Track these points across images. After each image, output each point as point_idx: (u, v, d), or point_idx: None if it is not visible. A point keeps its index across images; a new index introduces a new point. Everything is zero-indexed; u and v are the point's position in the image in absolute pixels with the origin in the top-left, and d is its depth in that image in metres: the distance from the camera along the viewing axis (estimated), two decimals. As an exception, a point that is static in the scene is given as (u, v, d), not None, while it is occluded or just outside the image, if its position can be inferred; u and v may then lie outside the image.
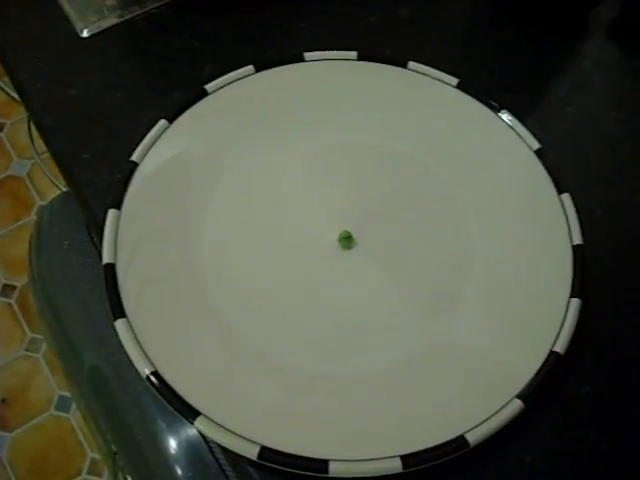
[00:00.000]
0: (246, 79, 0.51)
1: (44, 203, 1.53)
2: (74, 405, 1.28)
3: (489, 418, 0.37)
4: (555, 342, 0.40)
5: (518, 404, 0.37)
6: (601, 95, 0.55)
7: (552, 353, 0.39)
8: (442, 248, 0.46)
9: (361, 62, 0.53)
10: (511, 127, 0.49)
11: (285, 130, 0.51)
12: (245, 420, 0.37)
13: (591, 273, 0.45)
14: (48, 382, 1.32)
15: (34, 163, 1.59)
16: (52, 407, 1.29)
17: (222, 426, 0.36)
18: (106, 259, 0.42)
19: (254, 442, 0.36)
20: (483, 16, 0.60)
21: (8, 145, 1.65)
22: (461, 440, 0.36)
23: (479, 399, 0.39)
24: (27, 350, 1.36)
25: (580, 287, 0.42)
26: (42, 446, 1.25)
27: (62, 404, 1.30)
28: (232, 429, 0.36)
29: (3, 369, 1.33)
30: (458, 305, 0.44)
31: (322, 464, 0.35)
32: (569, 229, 0.44)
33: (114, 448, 0.55)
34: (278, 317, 0.43)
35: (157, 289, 0.42)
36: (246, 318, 0.43)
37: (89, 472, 1.23)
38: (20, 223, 1.52)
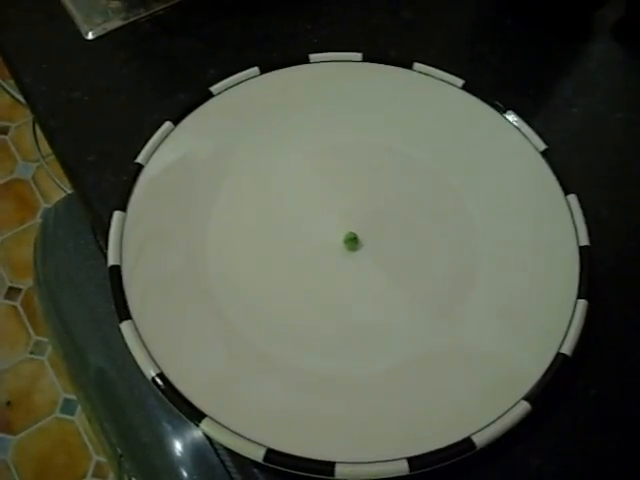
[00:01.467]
0: (251, 81, 0.51)
1: (49, 206, 1.53)
2: (79, 408, 1.29)
3: (496, 420, 0.37)
4: (562, 344, 0.40)
5: (525, 406, 0.37)
6: (607, 96, 0.55)
7: (559, 355, 0.39)
8: (448, 249, 0.46)
9: (366, 63, 0.53)
10: (517, 128, 0.49)
11: (290, 131, 0.51)
12: (251, 422, 0.37)
13: (597, 274, 0.45)
14: (53, 385, 1.32)
15: (39, 166, 1.60)
16: (57, 410, 1.29)
17: (228, 428, 0.36)
18: (111, 261, 0.42)
19: (260, 444, 0.36)
20: (488, 17, 0.60)
21: (13, 148, 1.65)
22: (468, 442, 0.36)
23: (485, 401, 0.38)
24: (32, 353, 1.36)
25: (587, 288, 0.42)
26: (47, 449, 1.25)
27: (67, 407, 1.30)
28: (238, 431, 0.36)
29: (8, 372, 1.33)
30: (464, 306, 0.43)
31: (328, 466, 0.35)
32: (576, 230, 0.44)
33: (119, 451, 0.55)
34: (284, 319, 0.43)
35: (162, 291, 0.42)
36: (251, 320, 0.43)
37: (94, 475, 1.23)
38: (25, 226, 1.53)
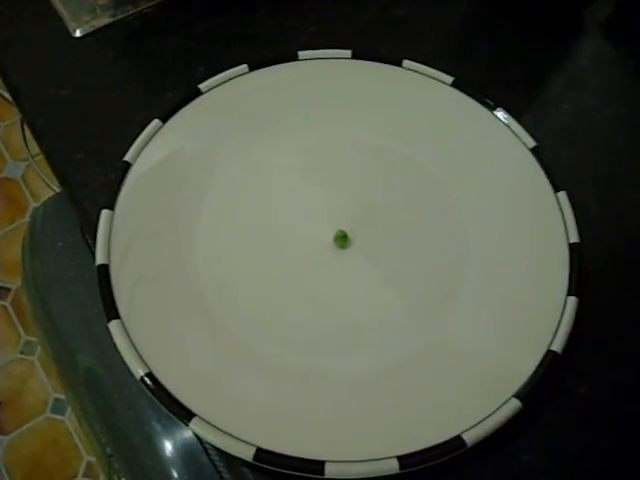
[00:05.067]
0: (240, 78, 0.51)
1: (38, 205, 1.52)
2: (69, 408, 1.28)
3: (486, 418, 0.37)
4: (552, 341, 0.40)
5: (515, 403, 0.37)
6: (597, 92, 0.55)
7: (549, 352, 0.39)
8: (438, 247, 0.46)
9: (355, 61, 0.52)
10: (507, 125, 0.49)
11: (279, 129, 0.51)
12: (241, 421, 0.37)
13: (588, 271, 0.45)
14: (43, 385, 1.32)
15: (28, 165, 1.59)
16: (47, 410, 1.29)
17: (217, 427, 0.36)
18: (99, 260, 0.41)
19: (250, 443, 0.35)
20: (478, 14, 0.60)
21: (2, 147, 1.64)
22: (458, 440, 0.36)
23: (476, 398, 0.38)
24: (22, 353, 1.35)
25: (577, 285, 0.42)
26: (37, 449, 1.25)
27: (57, 407, 1.29)
28: (227, 430, 0.36)
29: (-2, 372, 1.33)
30: (455, 304, 0.43)
31: (318, 465, 0.35)
32: (565, 227, 0.44)
33: (109, 450, 0.54)
34: (273, 317, 0.43)
35: (151, 290, 0.42)
36: (241, 318, 0.42)
37: (85, 475, 1.22)
38: (14, 225, 1.52)
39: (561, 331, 0.40)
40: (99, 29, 0.56)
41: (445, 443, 0.36)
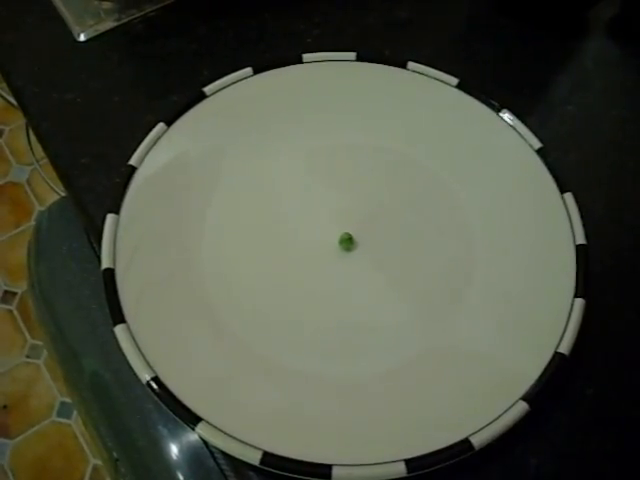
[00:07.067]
0: (244, 81, 0.51)
1: (43, 209, 1.53)
2: (76, 411, 1.28)
3: (494, 421, 0.37)
4: (559, 343, 0.39)
5: (523, 406, 0.37)
6: (602, 94, 0.55)
7: (556, 354, 0.39)
8: (444, 248, 0.46)
9: (360, 63, 0.52)
10: (512, 127, 0.49)
11: (284, 132, 0.51)
12: (247, 425, 0.37)
13: (594, 273, 0.44)
14: (49, 388, 1.32)
15: (33, 169, 1.59)
16: (54, 414, 1.29)
17: (224, 432, 0.36)
18: (105, 264, 0.41)
19: (256, 447, 0.35)
20: (482, 15, 0.59)
21: (7, 151, 1.65)
22: (466, 443, 0.36)
23: (483, 401, 0.38)
24: (28, 357, 1.35)
25: (584, 287, 0.41)
26: (44, 453, 1.25)
27: (64, 410, 1.29)
28: (234, 434, 0.36)
29: (4, 376, 1.33)
30: (461, 306, 0.43)
31: (325, 469, 0.35)
32: (572, 229, 0.44)
33: (115, 454, 0.54)
34: (279, 321, 0.43)
35: (157, 294, 0.42)
36: (247, 322, 0.42)
37: (91, 478, 1.22)
38: (20, 229, 1.52)
39: (568, 333, 0.40)
40: (103, 33, 0.56)
41: (453, 446, 0.36)
